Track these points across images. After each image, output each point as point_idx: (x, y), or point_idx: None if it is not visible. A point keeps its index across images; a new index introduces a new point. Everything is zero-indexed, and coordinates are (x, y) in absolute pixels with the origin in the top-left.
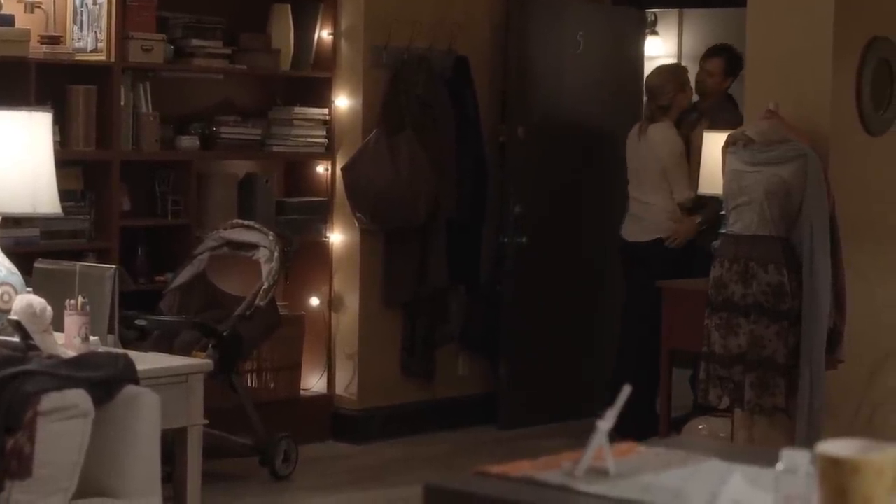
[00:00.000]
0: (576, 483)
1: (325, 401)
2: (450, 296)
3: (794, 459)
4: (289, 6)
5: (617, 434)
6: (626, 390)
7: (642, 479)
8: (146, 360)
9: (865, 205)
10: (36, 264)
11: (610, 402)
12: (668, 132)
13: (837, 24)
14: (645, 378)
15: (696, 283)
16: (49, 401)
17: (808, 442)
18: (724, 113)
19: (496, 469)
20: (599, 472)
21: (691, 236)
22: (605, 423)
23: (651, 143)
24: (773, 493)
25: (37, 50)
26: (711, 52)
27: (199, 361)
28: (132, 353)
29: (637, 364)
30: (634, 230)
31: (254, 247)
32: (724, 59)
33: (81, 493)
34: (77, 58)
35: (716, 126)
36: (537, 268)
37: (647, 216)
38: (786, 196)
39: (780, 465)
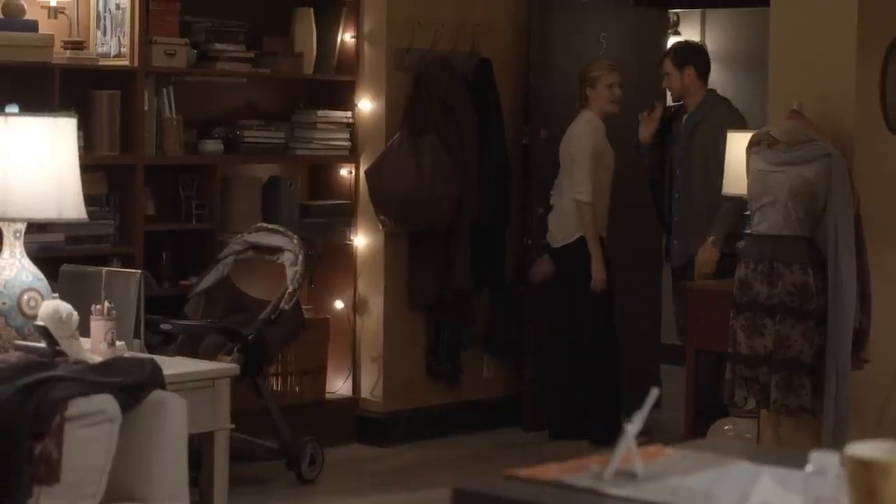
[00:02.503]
0: (604, 486)
1: (350, 404)
2: (474, 298)
3: (823, 461)
4: (311, 9)
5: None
6: (654, 393)
7: (670, 481)
8: (172, 365)
9: (890, 204)
10: (62, 269)
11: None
12: (583, 126)
13: (861, 23)
14: (604, 384)
15: (722, 283)
16: (76, 406)
17: (835, 442)
18: (712, 115)
19: (524, 472)
20: (627, 475)
21: (715, 260)
22: (633, 425)
23: (568, 137)
24: (802, 496)
25: (60, 55)
26: (663, 55)
27: (226, 365)
28: (158, 358)
29: (597, 372)
30: (557, 233)
31: (278, 250)
32: (670, 55)
33: (109, 498)
34: (100, 63)
35: (706, 133)
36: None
37: (564, 215)
38: (810, 196)
39: (809, 467)
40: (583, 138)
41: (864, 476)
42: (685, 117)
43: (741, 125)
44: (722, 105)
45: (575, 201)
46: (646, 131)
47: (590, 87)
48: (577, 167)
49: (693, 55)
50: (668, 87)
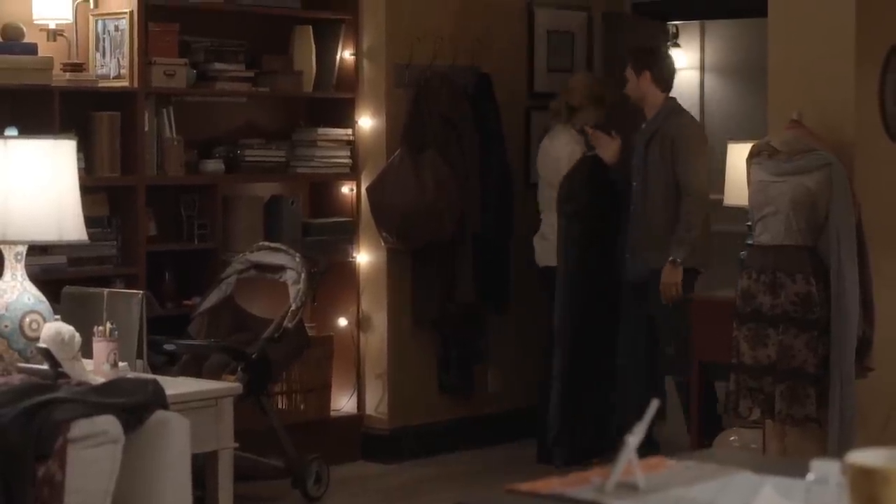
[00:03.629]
0: (606, 498)
1: (355, 421)
2: (482, 312)
3: (824, 470)
4: (310, 27)
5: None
6: (654, 405)
7: (672, 493)
8: (175, 385)
9: (892, 212)
10: (63, 291)
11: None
12: (571, 139)
13: (859, 31)
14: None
15: (724, 294)
16: (79, 428)
17: (840, 451)
18: (667, 125)
19: (526, 486)
20: (629, 487)
21: (679, 280)
22: (634, 437)
23: (555, 153)
24: None
25: (60, 78)
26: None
27: (229, 385)
28: (161, 378)
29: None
30: (543, 253)
31: (281, 269)
32: (629, 59)
33: None
34: (100, 84)
35: (662, 144)
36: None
37: (552, 235)
38: (812, 206)
39: (810, 476)
40: (574, 156)
41: (864, 484)
42: (643, 126)
43: (699, 138)
44: (679, 115)
45: None
46: (608, 151)
47: (593, 104)
48: None
49: (650, 59)
50: (628, 93)
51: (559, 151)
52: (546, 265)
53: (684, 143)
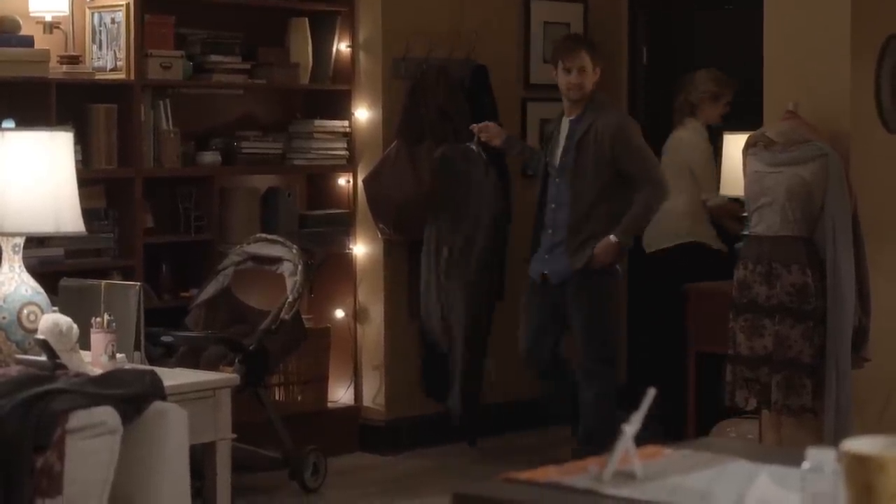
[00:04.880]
0: (603, 487)
1: (352, 412)
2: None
3: (819, 458)
4: (306, 19)
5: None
6: (651, 393)
7: (669, 481)
8: (173, 376)
9: (887, 203)
10: (61, 283)
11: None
12: (696, 133)
13: (854, 22)
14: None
15: (721, 285)
16: (77, 419)
17: (837, 441)
18: (600, 121)
19: (524, 475)
20: (626, 476)
21: (611, 258)
22: (631, 426)
23: (677, 142)
24: (799, 493)
25: (56, 70)
26: (572, 47)
27: (226, 376)
28: (159, 370)
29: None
30: (653, 237)
31: (278, 261)
32: (585, 49)
33: None
34: (97, 77)
35: (600, 138)
36: None
37: (664, 219)
38: (807, 196)
39: (806, 464)
40: (696, 148)
41: (860, 471)
42: (567, 121)
43: (637, 127)
44: (609, 108)
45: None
46: (495, 137)
47: (712, 101)
48: (702, 174)
49: (602, 58)
50: (578, 86)
51: (686, 136)
52: (657, 248)
53: (629, 136)
